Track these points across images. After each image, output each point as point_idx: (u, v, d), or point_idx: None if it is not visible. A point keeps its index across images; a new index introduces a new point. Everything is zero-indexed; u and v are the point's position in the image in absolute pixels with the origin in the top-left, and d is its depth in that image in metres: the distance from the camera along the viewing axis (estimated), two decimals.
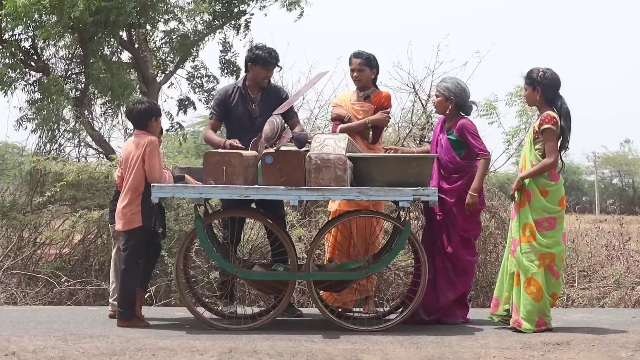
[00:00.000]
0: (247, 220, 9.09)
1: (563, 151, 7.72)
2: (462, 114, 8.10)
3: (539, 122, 7.62)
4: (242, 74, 8.95)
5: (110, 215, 8.22)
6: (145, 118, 7.78)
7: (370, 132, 8.54)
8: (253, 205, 8.21)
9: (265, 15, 15.18)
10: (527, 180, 7.59)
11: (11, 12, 12.41)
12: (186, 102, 16.25)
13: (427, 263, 7.63)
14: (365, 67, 8.57)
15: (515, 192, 7.66)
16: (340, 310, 8.12)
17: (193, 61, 15.95)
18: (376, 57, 8.66)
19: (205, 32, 15.47)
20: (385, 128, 9.23)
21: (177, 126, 16.10)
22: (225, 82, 17.61)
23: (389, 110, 8.72)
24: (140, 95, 14.27)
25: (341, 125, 8.44)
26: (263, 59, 8.32)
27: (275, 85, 8.70)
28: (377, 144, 8.62)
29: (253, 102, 8.37)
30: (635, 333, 7.59)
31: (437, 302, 7.93)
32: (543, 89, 7.67)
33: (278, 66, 8.50)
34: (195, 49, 15.67)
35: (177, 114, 16.21)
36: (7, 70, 13.66)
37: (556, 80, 7.71)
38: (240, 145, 7.86)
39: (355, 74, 8.58)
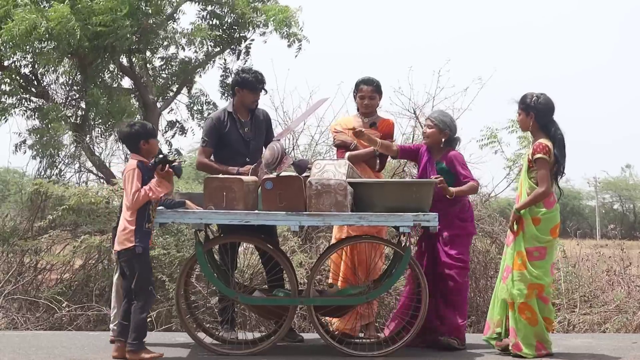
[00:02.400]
0: (240, 245, 9.05)
1: (559, 176, 7.71)
2: (449, 147, 8.19)
3: (531, 151, 7.61)
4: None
5: (113, 240, 8.23)
6: (134, 141, 7.52)
7: (378, 160, 8.55)
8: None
9: (265, 42, 15.27)
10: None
11: (8, 40, 12.46)
12: (177, 125, 16.30)
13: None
14: (376, 95, 8.57)
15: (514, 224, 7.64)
16: (340, 334, 8.10)
17: (192, 88, 16.02)
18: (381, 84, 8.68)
19: (205, 58, 15.54)
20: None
21: (176, 152, 16.14)
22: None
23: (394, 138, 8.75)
24: (137, 118, 14.35)
25: (349, 153, 8.38)
26: (250, 83, 8.30)
27: (260, 109, 8.62)
28: (381, 171, 8.67)
29: (245, 126, 8.37)
30: (636, 358, 7.58)
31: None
32: (537, 114, 7.64)
33: (264, 90, 8.47)
34: (195, 75, 15.76)
35: (167, 133, 16.25)
36: (7, 97, 13.71)
37: (550, 106, 7.69)
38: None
39: (366, 101, 8.54)
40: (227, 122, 8.36)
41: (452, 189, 7.86)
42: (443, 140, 8.15)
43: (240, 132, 8.33)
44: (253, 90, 8.32)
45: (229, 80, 15.94)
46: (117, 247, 7.39)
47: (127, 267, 7.34)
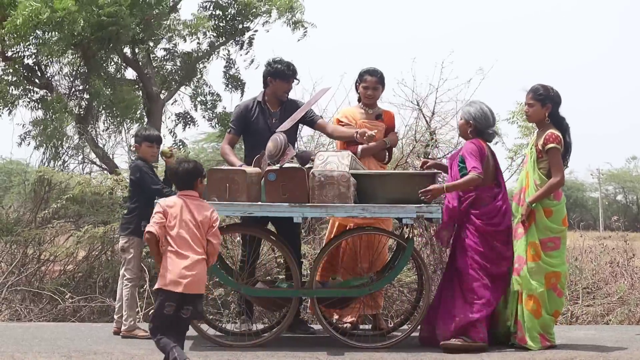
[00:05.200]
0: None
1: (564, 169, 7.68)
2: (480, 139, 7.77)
3: (543, 141, 7.55)
4: (251, 89, 8.94)
5: (121, 227, 8.24)
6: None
7: (387, 152, 8.55)
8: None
9: (267, 31, 15.26)
10: None
11: (12, 30, 12.46)
12: (187, 117, 16.29)
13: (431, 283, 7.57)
14: (379, 86, 8.54)
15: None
16: (345, 327, 8.10)
17: (197, 79, 16.01)
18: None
19: (208, 49, 15.53)
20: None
21: (180, 143, 16.12)
22: (229, 97, 17.41)
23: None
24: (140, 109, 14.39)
25: (362, 146, 8.31)
26: (282, 73, 8.31)
27: (293, 100, 8.61)
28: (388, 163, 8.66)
29: (273, 116, 8.35)
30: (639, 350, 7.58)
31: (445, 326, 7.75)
32: (554, 106, 7.66)
33: (296, 79, 8.47)
34: (198, 66, 15.75)
35: (175, 127, 16.24)
36: (10, 88, 13.71)
37: (561, 99, 7.72)
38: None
39: (370, 92, 8.51)
40: (255, 111, 8.39)
41: (439, 187, 7.49)
42: (469, 131, 7.80)
43: (267, 122, 8.30)
44: (285, 80, 8.34)
45: (233, 71, 15.95)
46: None
47: None
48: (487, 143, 7.84)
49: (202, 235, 6.52)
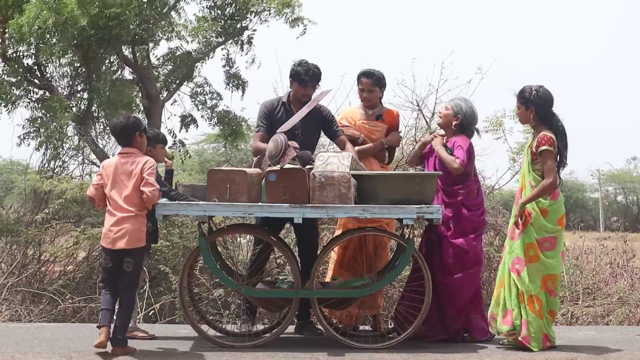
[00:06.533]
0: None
1: (561, 168, 7.65)
2: (460, 133, 8.05)
3: (536, 144, 7.56)
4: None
5: None
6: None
7: (387, 153, 8.53)
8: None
9: (268, 26, 15.23)
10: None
11: (16, 32, 12.44)
12: (189, 119, 16.26)
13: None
14: (375, 88, 8.48)
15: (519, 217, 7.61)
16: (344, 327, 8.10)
17: (195, 77, 15.98)
18: (385, 75, 8.56)
19: (207, 49, 15.51)
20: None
21: (180, 144, 16.09)
22: (229, 97, 17.27)
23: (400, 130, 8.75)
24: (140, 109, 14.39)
25: (358, 148, 8.31)
26: (299, 77, 8.20)
27: (320, 104, 8.43)
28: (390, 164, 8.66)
29: None
30: None
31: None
32: (536, 108, 7.60)
33: (317, 85, 8.33)
34: (198, 66, 15.72)
35: (180, 131, 16.21)
36: (11, 88, 13.67)
37: (549, 98, 7.65)
38: (296, 145, 7.68)
39: (365, 94, 8.49)
40: (279, 111, 8.31)
41: (438, 143, 8.02)
42: (454, 123, 8.04)
43: None
44: (302, 84, 8.21)
45: (232, 71, 15.92)
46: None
47: None
48: None
49: (134, 190, 7.06)
